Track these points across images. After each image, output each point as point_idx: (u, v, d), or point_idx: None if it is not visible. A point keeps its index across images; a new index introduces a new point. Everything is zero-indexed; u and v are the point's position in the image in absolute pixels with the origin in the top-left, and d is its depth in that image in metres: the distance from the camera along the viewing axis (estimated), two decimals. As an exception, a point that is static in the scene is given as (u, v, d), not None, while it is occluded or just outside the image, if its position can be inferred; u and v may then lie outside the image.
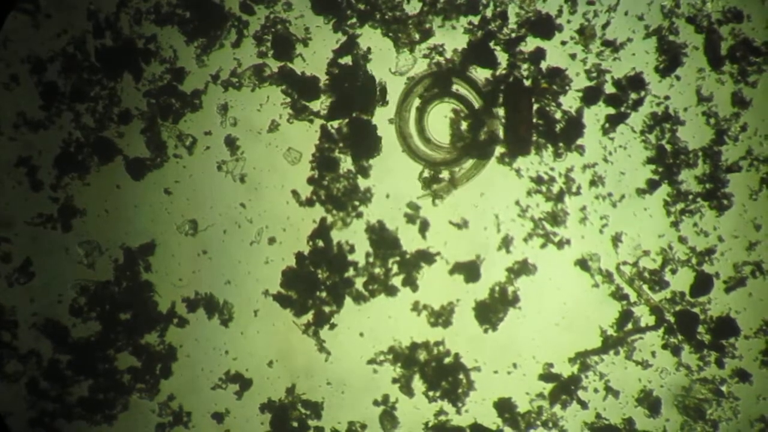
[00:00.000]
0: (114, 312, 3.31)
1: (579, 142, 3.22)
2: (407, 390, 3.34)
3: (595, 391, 3.31)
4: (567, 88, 3.20)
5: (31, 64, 3.24)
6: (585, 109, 3.20)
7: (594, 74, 3.21)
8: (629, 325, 3.28)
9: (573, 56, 3.19)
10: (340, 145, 3.27)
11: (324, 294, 3.32)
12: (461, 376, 3.32)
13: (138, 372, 3.34)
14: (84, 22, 3.24)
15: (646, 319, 3.27)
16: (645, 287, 3.26)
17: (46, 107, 3.25)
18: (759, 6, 3.17)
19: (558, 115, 3.20)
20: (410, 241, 3.30)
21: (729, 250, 3.22)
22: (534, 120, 3.19)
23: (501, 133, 3.20)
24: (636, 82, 3.20)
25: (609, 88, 3.20)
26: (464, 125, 3.21)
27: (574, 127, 3.20)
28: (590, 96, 3.22)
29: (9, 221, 3.16)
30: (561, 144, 3.21)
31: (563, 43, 3.18)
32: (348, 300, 3.32)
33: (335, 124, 3.26)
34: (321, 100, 3.27)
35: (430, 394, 3.35)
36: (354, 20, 3.22)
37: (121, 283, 3.31)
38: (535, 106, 3.19)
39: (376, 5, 3.21)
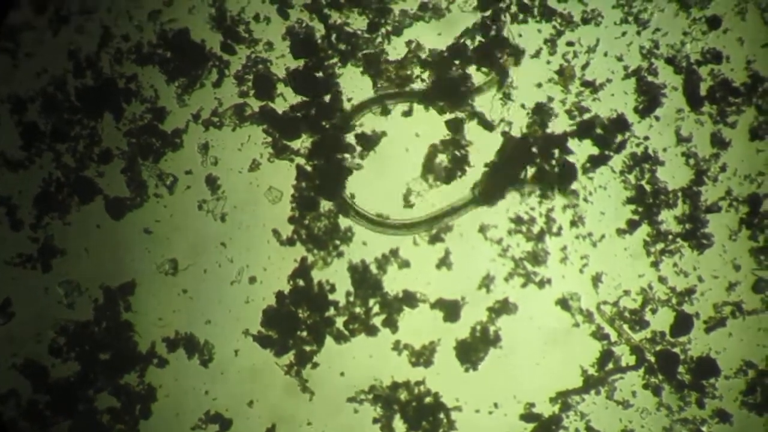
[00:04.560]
0: (94, 352, 3.30)
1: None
2: (388, 430, 3.33)
3: (577, 431, 3.31)
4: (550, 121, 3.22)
5: (11, 104, 3.24)
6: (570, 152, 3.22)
7: (575, 113, 3.22)
8: (610, 365, 3.28)
9: (551, 99, 3.21)
10: (317, 182, 3.26)
11: (305, 333, 3.31)
12: (442, 416, 3.31)
13: (117, 412, 3.32)
14: (64, 62, 3.25)
15: (627, 358, 3.27)
16: (625, 327, 3.26)
17: (27, 147, 3.25)
18: (738, 47, 3.18)
19: (554, 161, 3.21)
20: (392, 280, 3.29)
21: (709, 291, 3.22)
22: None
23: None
24: (619, 123, 3.21)
25: (579, 129, 3.22)
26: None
27: (568, 172, 3.21)
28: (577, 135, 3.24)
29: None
30: (555, 189, 3.22)
31: (539, 86, 3.20)
32: (329, 339, 3.31)
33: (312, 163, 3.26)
34: (302, 140, 3.28)
35: (411, 433, 3.34)
36: (335, 60, 3.24)
37: (101, 323, 3.30)
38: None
39: (356, 45, 3.22)
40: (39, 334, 3.28)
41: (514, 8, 3.19)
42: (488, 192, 3.19)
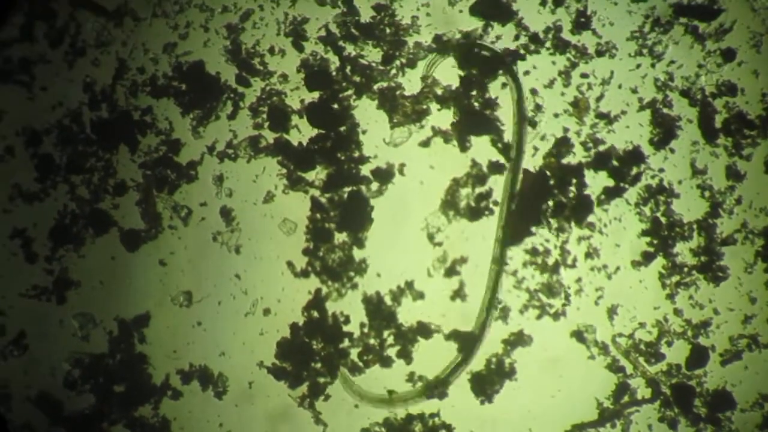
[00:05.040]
0: (108, 384, 3.29)
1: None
2: (402, 462, 3.32)
3: (592, 463, 3.30)
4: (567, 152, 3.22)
5: (26, 137, 3.24)
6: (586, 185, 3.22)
7: (590, 145, 3.23)
8: (625, 398, 3.27)
9: (566, 130, 3.21)
10: (332, 214, 3.26)
11: (319, 365, 3.30)
12: (457, 449, 3.31)
13: (132, 445, 3.32)
14: (80, 94, 3.25)
15: (643, 391, 3.26)
16: (641, 359, 3.25)
17: (42, 179, 3.25)
18: (753, 79, 3.18)
19: (571, 194, 3.21)
20: (407, 312, 3.28)
21: (725, 323, 3.21)
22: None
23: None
24: (634, 155, 3.21)
25: (594, 161, 3.22)
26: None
27: (583, 205, 3.21)
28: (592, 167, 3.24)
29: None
30: (572, 222, 3.22)
31: (556, 116, 3.20)
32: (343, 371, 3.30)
33: (327, 195, 3.27)
34: (316, 171, 3.28)
35: (426, 465, 3.33)
36: (350, 92, 3.25)
37: (115, 355, 3.30)
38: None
39: (371, 77, 3.22)
40: (53, 367, 3.28)
41: (525, 40, 3.21)
42: (515, 233, 3.20)
